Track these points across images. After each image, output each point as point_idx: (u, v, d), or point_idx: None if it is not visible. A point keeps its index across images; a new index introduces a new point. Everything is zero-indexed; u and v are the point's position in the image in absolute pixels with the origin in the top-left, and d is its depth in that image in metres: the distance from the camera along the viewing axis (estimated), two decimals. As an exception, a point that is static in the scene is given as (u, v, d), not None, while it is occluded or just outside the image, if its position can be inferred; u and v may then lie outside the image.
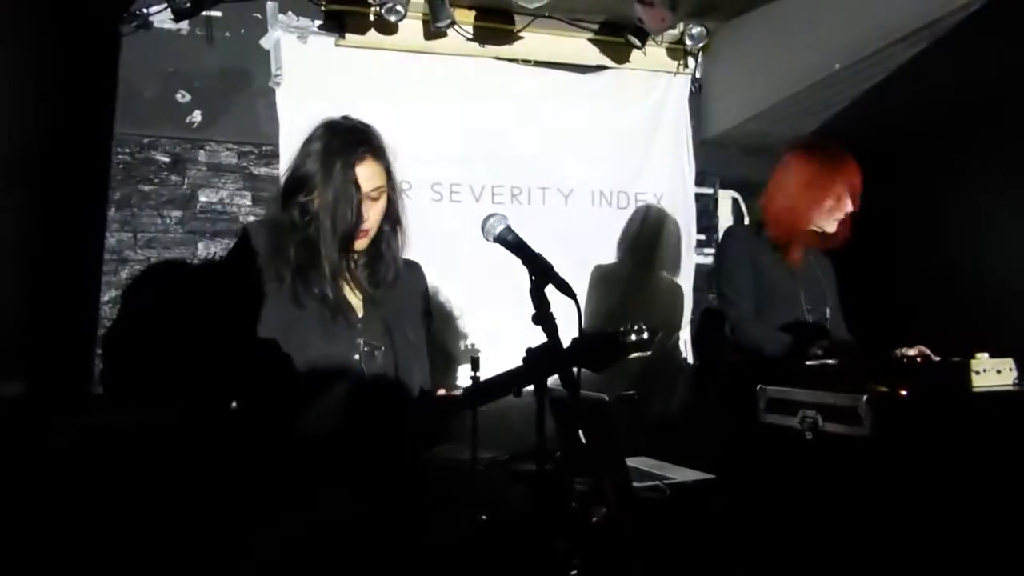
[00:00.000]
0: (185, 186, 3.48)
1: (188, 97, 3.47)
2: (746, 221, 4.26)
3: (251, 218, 3.48)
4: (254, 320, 1.81)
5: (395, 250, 1.99)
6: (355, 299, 1.95)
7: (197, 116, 3.48)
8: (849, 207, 2.54)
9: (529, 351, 1.43)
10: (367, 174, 1.87)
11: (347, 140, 1.87)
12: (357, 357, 1.89)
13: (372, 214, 1.89)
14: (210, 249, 3.47)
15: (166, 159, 3.46)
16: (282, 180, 1.97)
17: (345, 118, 2.00)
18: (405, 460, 1.84)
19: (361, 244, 1.91)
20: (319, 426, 1.73)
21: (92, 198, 3.32)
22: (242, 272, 1.86)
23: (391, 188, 1.94)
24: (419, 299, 2.14)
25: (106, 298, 3.32)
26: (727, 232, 2.95)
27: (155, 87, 3.43)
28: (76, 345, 3.18)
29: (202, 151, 3.51)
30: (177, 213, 3.46)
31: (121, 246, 3.37)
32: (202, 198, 3.50)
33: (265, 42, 3.51)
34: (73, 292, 3.18)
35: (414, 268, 2.13)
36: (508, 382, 1.53)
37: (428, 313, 2.21)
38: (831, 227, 2.57)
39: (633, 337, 1.47)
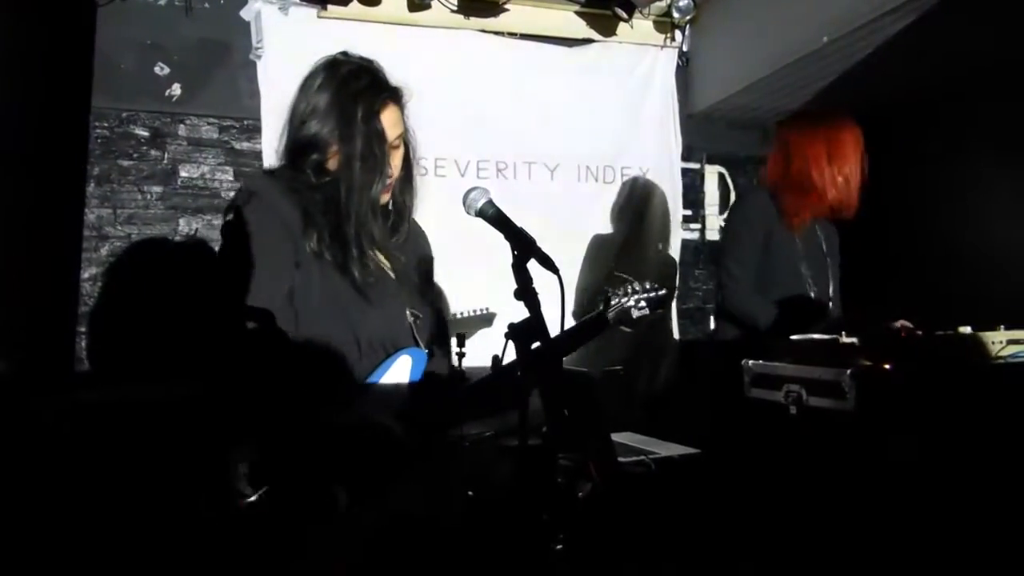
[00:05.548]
0: (165, 161, 3.42)
1: (167, 70, 3.40)
2: (732, 196, 4.25)
3: (232, 194, 3.42)
4: (279, 293, 1.58)
5: (410, 200, 1.80)
6: (384, 261, 1.73)
7: (176, 89, 3.42)
8: (858, 176, 2.49)
9: (511, 327, 1.42)
10: (391, 121, 1.67)
11: (361, 85, 1.65)
12: (407, 326, 1.69)
13: (395, 164, 1.71)
14: (191, 225, 3.42)
15: (145, 133, 3.39)
16: (283, 137, 1.71)
17: (344, 55, 1.76)
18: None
19: (384, 198, 1.71)
20: (378, 413, 1.57)
21: (70, 173, 3.26)
22: (256, 242, 1.58)
23: (407, 132, 1.77)
24: (429, 261, 1.93)
25: (86, 275, 3.27)
26: (743, 195, 2.83)
27: (133, 60, 3.35)
28: (56, 322, 3.14)
29: (182, 125, 3.45)
30: (158, 188, 3.40)
31: (101, 222, 3.31)
32: (183, 173, 3.44)
33: (245, 13, 3.44)
34: (53, 269, 3.13)
35: (419, 228, 1.93)
36: (498, 386, 1.53)
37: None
38: (842, 196, 2.50)
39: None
